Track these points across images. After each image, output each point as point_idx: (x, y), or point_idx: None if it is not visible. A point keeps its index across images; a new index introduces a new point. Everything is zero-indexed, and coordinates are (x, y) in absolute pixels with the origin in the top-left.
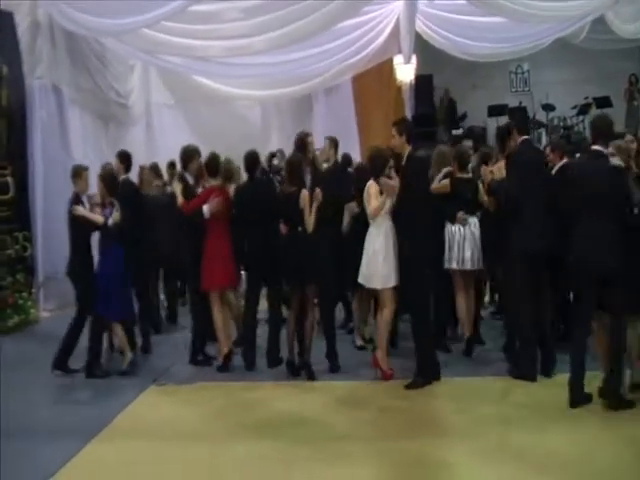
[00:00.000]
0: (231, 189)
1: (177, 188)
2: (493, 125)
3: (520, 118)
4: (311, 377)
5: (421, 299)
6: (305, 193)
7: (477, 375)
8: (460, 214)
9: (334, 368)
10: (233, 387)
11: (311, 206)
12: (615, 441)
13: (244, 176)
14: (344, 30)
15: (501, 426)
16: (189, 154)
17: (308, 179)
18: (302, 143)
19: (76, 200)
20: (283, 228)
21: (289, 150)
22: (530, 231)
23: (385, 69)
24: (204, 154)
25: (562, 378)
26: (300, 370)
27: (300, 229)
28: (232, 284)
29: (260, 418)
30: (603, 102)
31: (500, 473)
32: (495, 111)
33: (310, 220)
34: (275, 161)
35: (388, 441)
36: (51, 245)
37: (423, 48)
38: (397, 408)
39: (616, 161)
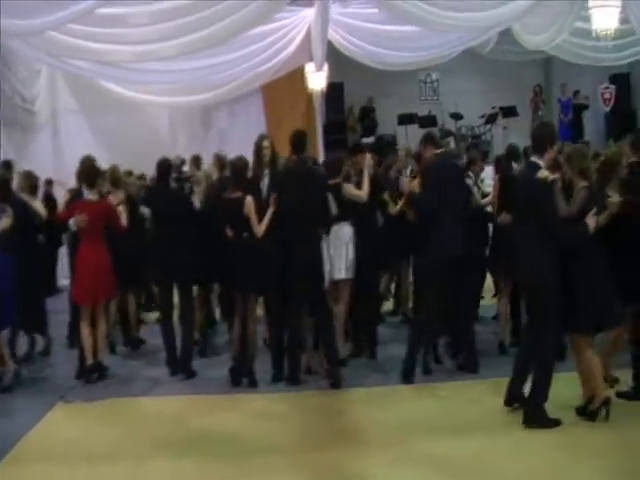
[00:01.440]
0: (117, 197)
1: (65, 197)
2: (403, 133)
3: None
4: (253, 384)
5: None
6: (249, 200)
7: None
8: None
9: (275, 377)
10: (147, 402)
11: (259, 214)
12: (539, 447)
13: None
14: (255, 37)
15: (420, 433)
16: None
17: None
18: (257, 147)
19: None
20: (229, 234)
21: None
22: (444, 239)
23: (296, 77)
24: (112, 161)
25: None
26: (242, 378)
27: (246, 235)
28: (105, 296)
29: (176, 434)
30: (509, 111)
31: None
32: (405, 119)
33: (261, 227)
34: (185, 168)
35: (309, 452)
36: None
37: (334, 56)
38: (319, 418)
39: (544, 173)
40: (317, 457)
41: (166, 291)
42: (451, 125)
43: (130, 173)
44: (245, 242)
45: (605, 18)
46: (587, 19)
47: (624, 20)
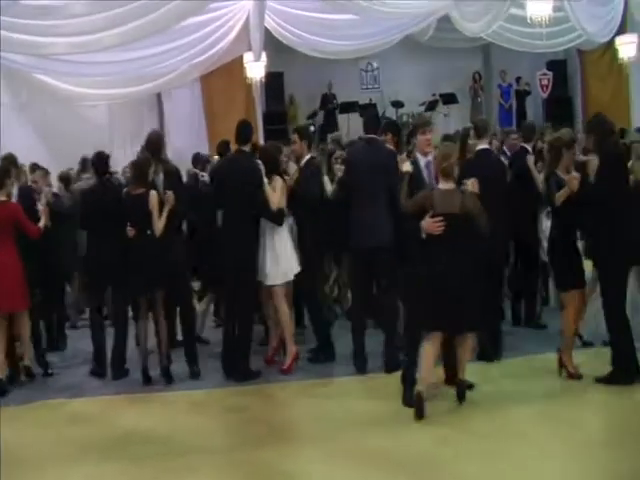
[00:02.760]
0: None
1: None
2: (345, 123)
3: (366, 117)
4: (169, 382)
5: None
6: (153, 194)
7: (333, 376)
8: None
9: (193, 374)
10: (77, 403)
11: (161, 209)
12: (465, 439)
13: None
14: (193, 27)
15: (355, 429)
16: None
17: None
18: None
19: None
20: (130, 231)
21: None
22: (362, 228)
23: (235, 67)
24: (48, 156)
25: None
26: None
27: (149, 233)
28: (10, 304)
29: (104, 436)
30: (449, 99)
31: (353, 478)
32: (346, 108)
33: (159, 224)
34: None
35: (239, 451)
36: None
37: (274, 45)
38: (250, 414)
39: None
40: (248, 456)
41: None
42: (392, 113)
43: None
44: (148, 239)
45: (539, 5)
46: (523, 6)
47: (558, 8)
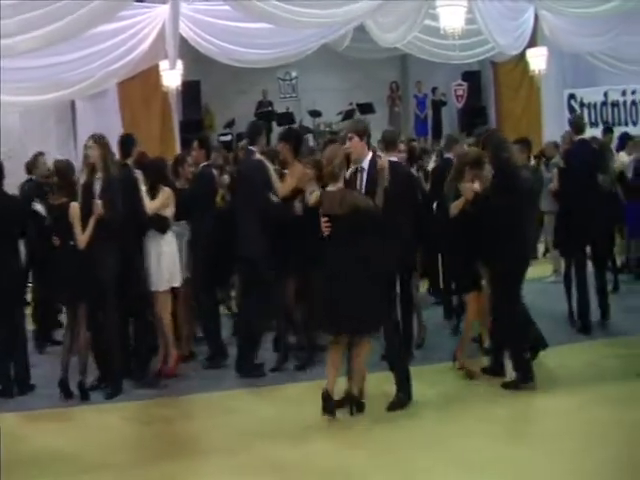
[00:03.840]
0: None
1: None
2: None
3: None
4: (84, 397)
5: None
6: (74, 206)
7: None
8: None
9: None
10: None
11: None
12: (372, 448)
13: None
14: (108, 34)
15: (261, 440)
16: None
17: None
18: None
19: None
20: (55, 241)
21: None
22: (237, 238)
23: (152, 75)
24: None
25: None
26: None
27: (72, 244)
28: None
29: (10, 455)
30: (366, 108)
31: None
32: (263, 117)
33: (84, 236)
34: None
35: (144, 466)
36: None
37: (191, 54)
38: (157, 428)
39: None
40: (153, 470)
41: None
42: (310, 122)
43: None
44: (71, 250)
45: (452, 17)
46: (437, 18)
47: (471, 20)
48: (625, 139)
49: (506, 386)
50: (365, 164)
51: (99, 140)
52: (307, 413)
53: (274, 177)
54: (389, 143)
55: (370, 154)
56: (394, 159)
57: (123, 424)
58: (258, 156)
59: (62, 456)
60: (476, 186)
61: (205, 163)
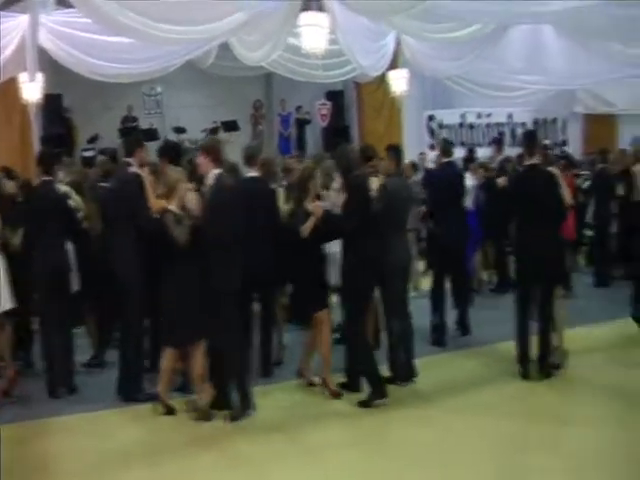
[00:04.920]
0: None
1: None
2: None
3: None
4: None
5: None
6: None
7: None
8: None
9: None
10: None
11: None
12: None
13: None
14: None
15: (121, 463)
16: None
17: None
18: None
19: None
20: None
21: None
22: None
23: (11, 87)
24: None
25: None
26: None
27: None
28: None
29: None
30: (231, 126)
31: None
32: (127, 133)
33: None
34: None
35: None
36: None
37: (53, 66)
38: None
39: None
40: None
41: None
42: (174, 139)
43: None
44: None
45: (314, 37)
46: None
47: (334, 41)
48: (468, 161)
49: (361, 404)
50: (210, 181)
51: None
52: (177, 430)
53: (150, 191)
54: (249, 158)
55: (216, 171)
56: (255, 174)
57: None
58: (134, 169)
59: None
60: (324, 203)
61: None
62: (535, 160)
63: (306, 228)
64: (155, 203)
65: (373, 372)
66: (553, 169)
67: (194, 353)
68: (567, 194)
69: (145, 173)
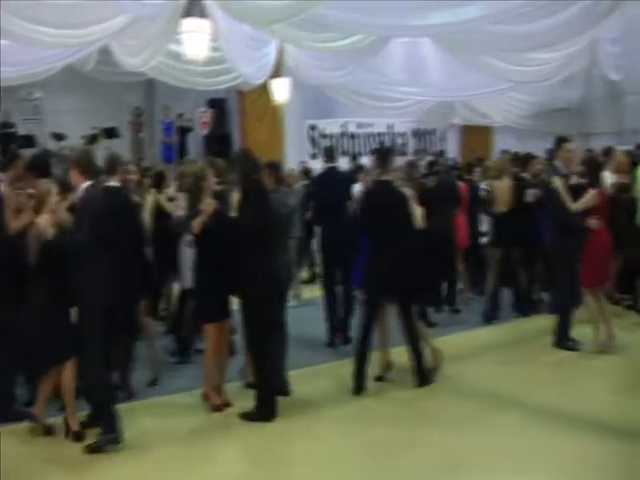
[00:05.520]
0: None
1: None
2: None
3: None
4: None
5: None
6: None
7: None
8: None
9: None
10: None
11: None
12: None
13: None
14: None
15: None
16: None
17: None
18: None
19: None
20: None
21: None
22: None
23: None
24: None
25: None
26: None
27: None
28: None
29: None
30: (112, 132)
31: None
32: (3, 140)
33: None
34: None
35: None
36: None
37: None
38: None
39: None
40: None
41: None
42: (53, 146)
43: None
44: None
45: (195, 44)
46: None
47: (216, 48)
48: (356, 172)
49: (242, 416)
50: (80, 193)
51: None
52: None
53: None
54: (108, 168)
55: (86, 183)
56: (116, 184)
57: None
58: None
59: None
60: (212, 200)
61: None
62: (388, 177)
63: (197, 224)
64: (16, 221)
65: (266, 387)
66: (406, 189)
67: (64, 372)
68: (418, 214)
69: (8, 190)
